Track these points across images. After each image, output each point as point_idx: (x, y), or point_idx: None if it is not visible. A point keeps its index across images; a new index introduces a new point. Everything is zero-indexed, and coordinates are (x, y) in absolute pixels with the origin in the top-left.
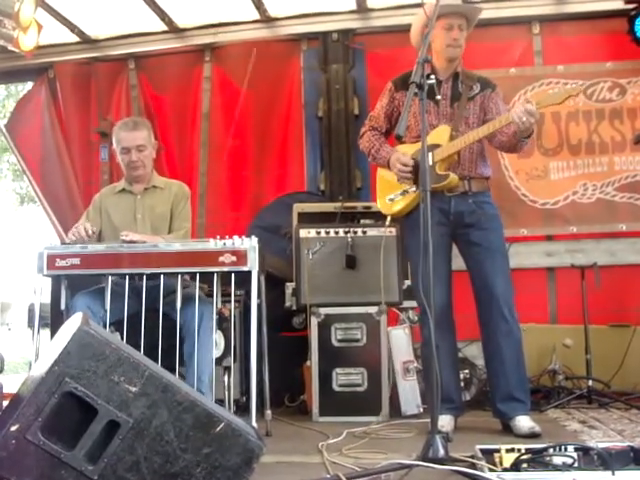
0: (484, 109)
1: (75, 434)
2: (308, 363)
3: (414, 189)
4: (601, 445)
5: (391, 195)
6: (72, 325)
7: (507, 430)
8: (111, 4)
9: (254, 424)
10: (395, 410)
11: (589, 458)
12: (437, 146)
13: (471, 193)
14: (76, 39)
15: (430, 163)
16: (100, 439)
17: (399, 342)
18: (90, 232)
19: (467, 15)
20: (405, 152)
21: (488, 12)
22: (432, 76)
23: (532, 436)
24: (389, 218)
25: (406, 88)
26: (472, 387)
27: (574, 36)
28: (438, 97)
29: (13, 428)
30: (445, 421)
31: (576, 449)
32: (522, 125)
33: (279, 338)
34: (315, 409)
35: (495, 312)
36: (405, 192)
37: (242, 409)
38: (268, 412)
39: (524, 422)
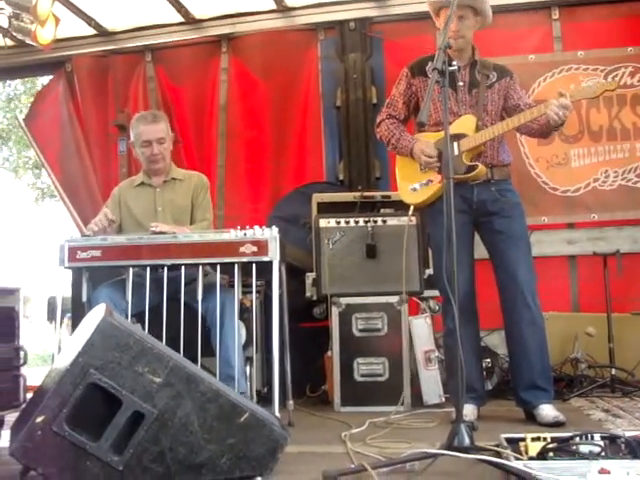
0: (503, 97)
1: (100, 425)
2: (329, 353)
3: (439, 179)
4: (628, 434)
5: (414, 184)
6: (95, 317)
7: (530, 419)
8: None
9: (277, 414)
10: (417, 400)
11: (616, 447)
12: (462, 135)
13: (493, 181)
14: (93, 32)
15: (456, 153)
16: (125, 430)
17: (420, 331)
18: (110, 217)
19: (470, 4)
20: (427, 141)
21: None
22: (454, 62)
23: (557, 425)
24: (412, 207)
25: (423, 74)
26: (494, 376)
27: (594, 21)
28: (460, 83)
29: (39, 419)
30: (468, 410)
31: (603, 438)
32: (558, 119)
33: (300, 328)
34: (337, 399)
35: (519, 300)
36: (430, 182)
37: (264, 400)
38: (290, 402)
39: (548, 410)
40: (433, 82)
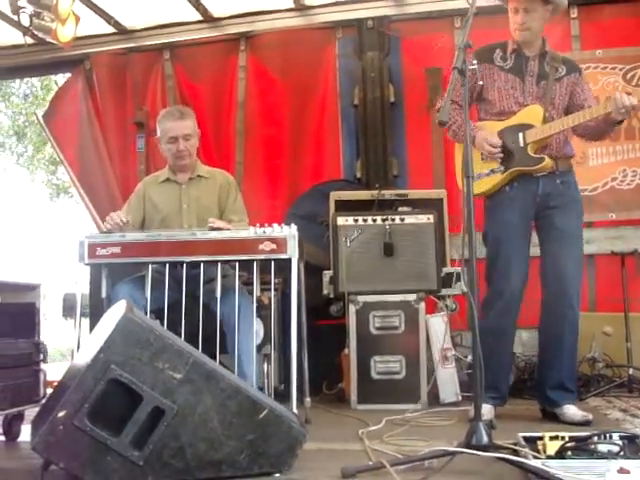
0: (571, 92)
1: (121, 420)
2: (346, 351)
3: (502, 169)
4: None
5: (475, 173)
6: (116, 313)
7: (550, 418)
8: None
9: (295, 411)
10: (434, 398)
11: (635, 447)
12: (529, 126)
13: (558, 172)
14: (112, 30)
15: (521, 144)
16: (145, 425)
17: (437, 330)
18: (124, 220)
19: None
20: (491, 131)
21: None
22: (474, 62)
23: (585, 424)
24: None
25: (488, 60)
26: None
27: (613, 19)
28: (529, 75)
29: (60, 414)
30: (485, 410)
31: (621, 437)
32: (621, 117)
33: (317, 326)
34: (354, 397)
35: (564, 300)
36: (492, 172)
37: (281, 397)
38: (307, 399)
39: (575, 410)
40: (454, 80)
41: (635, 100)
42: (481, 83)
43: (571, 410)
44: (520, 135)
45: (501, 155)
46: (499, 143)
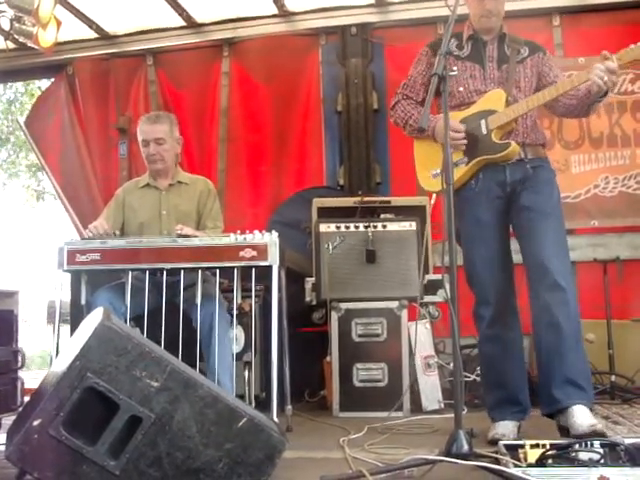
0: (537, 74)
1: (97, 429)
2: (328, 358)
3: (466, 161)
4: (628, 441)
5: (437, 170)
6: (94, 320)
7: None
8: (129, 0)
9: (275, 419)
10: (416, 405)
11: (616, 454)
12: (491, 112)
13: (527, 160)
14: (94, 35)
15: (484, 132)
16: (122, 434)
17: (420, 337)
18: (109, 232)
19: None
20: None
21: (507, 4)
22: (454, 68)
23: (592, 435)
24: (434, 196)
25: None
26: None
27: (595, 28)
28: (488, 60)
29: (35, 423)
30: (507, 429)
31: (602, 445)
32: (603, 85)
33: (299, 333)
34: (335, 404)
35: (547, 280)
36: (455, 164)
37: (262, 404)
38: (289, 407)
39: (583, 418)
40: (434, 86)
41: (614, 63)
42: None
43: (579, 419)
44: (482, 122)
45: (465, 142)
46: (462, 128)
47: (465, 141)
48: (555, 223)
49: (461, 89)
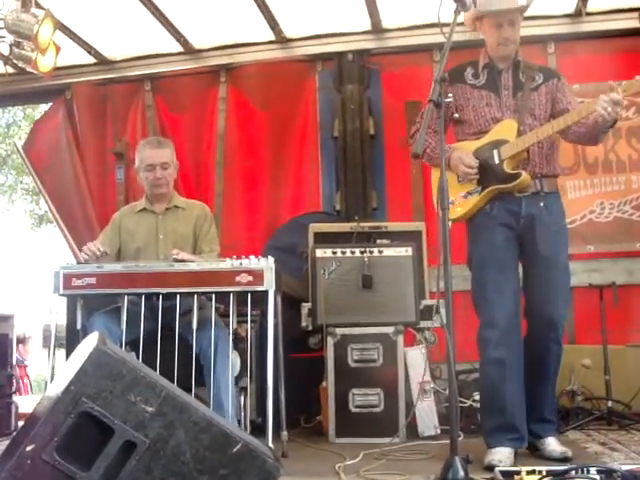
0: (552, 100)
1: (91, 454)
2: (324, 384)
3: (479, 190)
4: (624, 467)
5: (452, 199)
6: (89, 344)
7: (530, 450)
8: (127, 26)
9: (270, 445)
10: (412, 431)
11: None
12: (504, 142)
13: (543, 194)
14: (93, 60)
15: (496, 161)
16: (116, 460)
17: (416, 362)
18: (101, 250)
19: (521, 8)
20: (467, 150)
21: None
22: (450, 95)
23: (564, 460)
24: (450, 223)
25: (461, 80)
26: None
27: (590, 55)
28: (504, 89)
29: (29, 448)
30: (504, 455)
31: (599, 471)
32: (608, 116)
33: (295, 359)
34: (331, 430)
35: (551, 334)
36: (468, 194)
37: (258, 430)
38: (284, 433)
39: (555, 445)
40: (429, 113)
41: (619, 95)
42: (457, 116)
43: (551, 446)
44: (495, 152)
45: (477, 176)
46: (475, 164)
47: (477, 176)
48: (567, 278)
49: (478, 117)
